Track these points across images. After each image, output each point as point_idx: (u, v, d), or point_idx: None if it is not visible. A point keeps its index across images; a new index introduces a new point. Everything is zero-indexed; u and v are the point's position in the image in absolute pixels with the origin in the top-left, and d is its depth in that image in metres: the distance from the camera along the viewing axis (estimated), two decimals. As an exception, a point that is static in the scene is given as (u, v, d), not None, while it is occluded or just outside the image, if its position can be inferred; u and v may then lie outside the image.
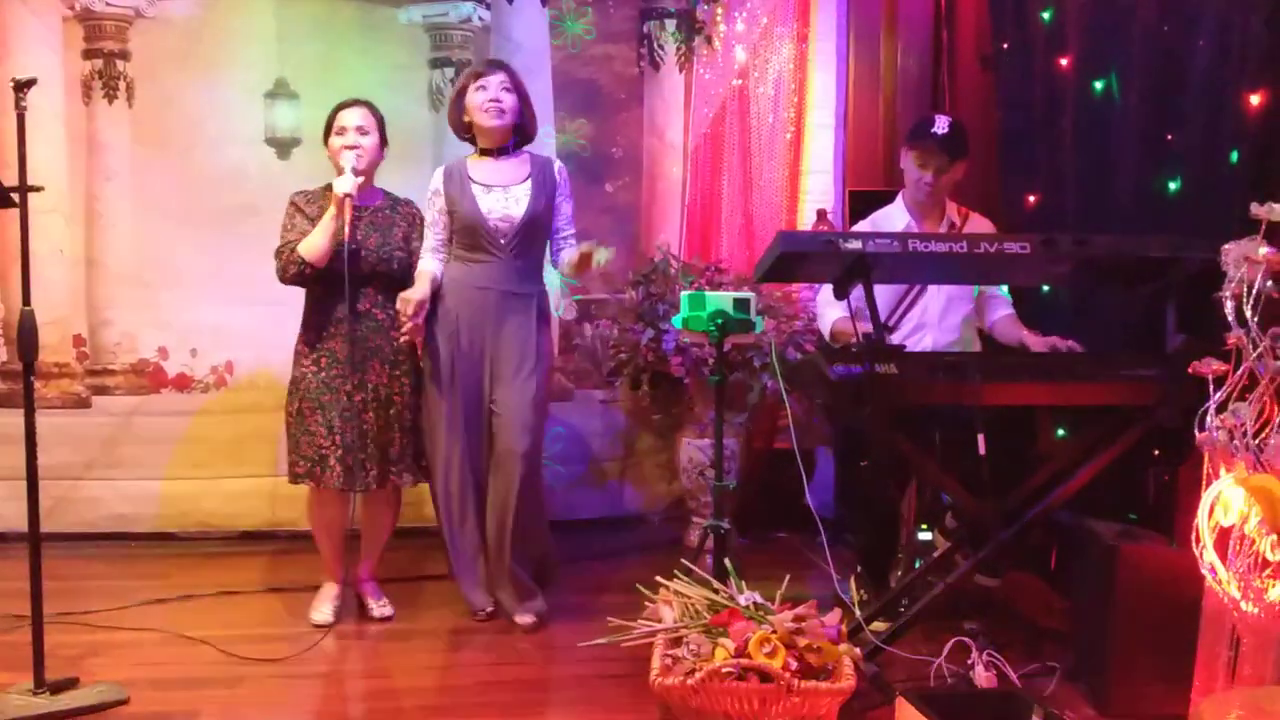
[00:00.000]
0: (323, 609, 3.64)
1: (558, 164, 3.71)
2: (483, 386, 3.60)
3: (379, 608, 3.70)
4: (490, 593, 3.67)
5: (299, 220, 3.58)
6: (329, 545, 3.69)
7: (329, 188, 3.56)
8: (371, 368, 3.57)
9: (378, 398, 3.57)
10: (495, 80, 3.57)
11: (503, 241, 3.56)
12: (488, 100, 3.56)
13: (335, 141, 3.59)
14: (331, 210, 3.48)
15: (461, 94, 3.63)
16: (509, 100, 3.57)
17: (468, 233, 3.58)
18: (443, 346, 3.58)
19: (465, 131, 3.67)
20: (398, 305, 3.49)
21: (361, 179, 3.53)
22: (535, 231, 3.61)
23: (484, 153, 3.64)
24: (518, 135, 3.65)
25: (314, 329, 3.59)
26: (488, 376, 3.59)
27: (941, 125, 3.60)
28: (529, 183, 3.60)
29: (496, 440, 3.58)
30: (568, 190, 3.69)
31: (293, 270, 3.52)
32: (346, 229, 3.44)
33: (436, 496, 3.67)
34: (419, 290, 3.51)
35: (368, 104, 3.66)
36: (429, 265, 3.62)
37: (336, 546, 3.69)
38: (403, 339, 3.54)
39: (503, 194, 3.58)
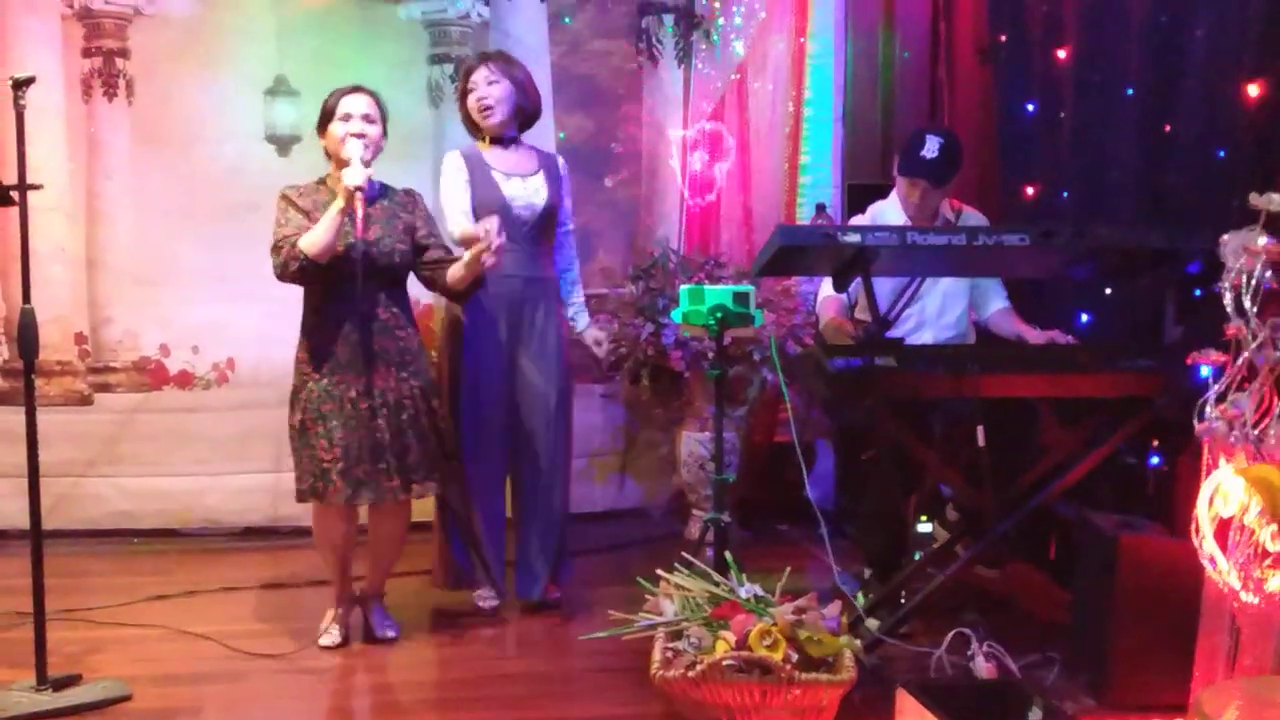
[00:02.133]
0: (332, 632, 3.40)
1: (560, 160, 3.79)
2: (506, 374, 3.62)
3: (384, 629, 3.47)
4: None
5: (293, 215, 3.30)
6: (338, 565, 3.42)
7: (322, 181, 3.40)
8: (377, 371, 3.31)
9: (386, 403, 3.31)
10: (480, 77, 3.59)
11: (525, 230, 3.59)
12: (476, 100, 3.60)
13: (338, 129, 3.31)
14: (337, 204, 3.22)
15: (464, 97, 3.65)
16: (495, 93, 3.57)
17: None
18: (471, 339, 3.60)
19: (476, 131, 3.69)
20: (482, 229, 3.25)
21: (372, 170, 3.32)
22: (549, 222, 3.67)
23: (493, 141, 3.66)
24: (519, 117, 3.67)
25: (314, 333, 3.34)
26: (512, 364, 3.62)
27: (931, 149, 3.53)
28: (542, 174, 3.66)
29: (525, 436, 3.65)
30: (568, 187, 3.77)
31: (294, 266, 3.23)
32: (359, 224, 3.22)
33: (467, 488, 3.66)
34: (492, 217, 3.33)
35: (372, 92, 3.40)
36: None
37: (346, 565, 3.44)
38: (489, 260, 3.22)
39: (522, 182, 3.61)
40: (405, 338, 3.38)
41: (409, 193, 3.51)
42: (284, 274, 3.28)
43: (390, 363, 3.34)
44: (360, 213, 3.21)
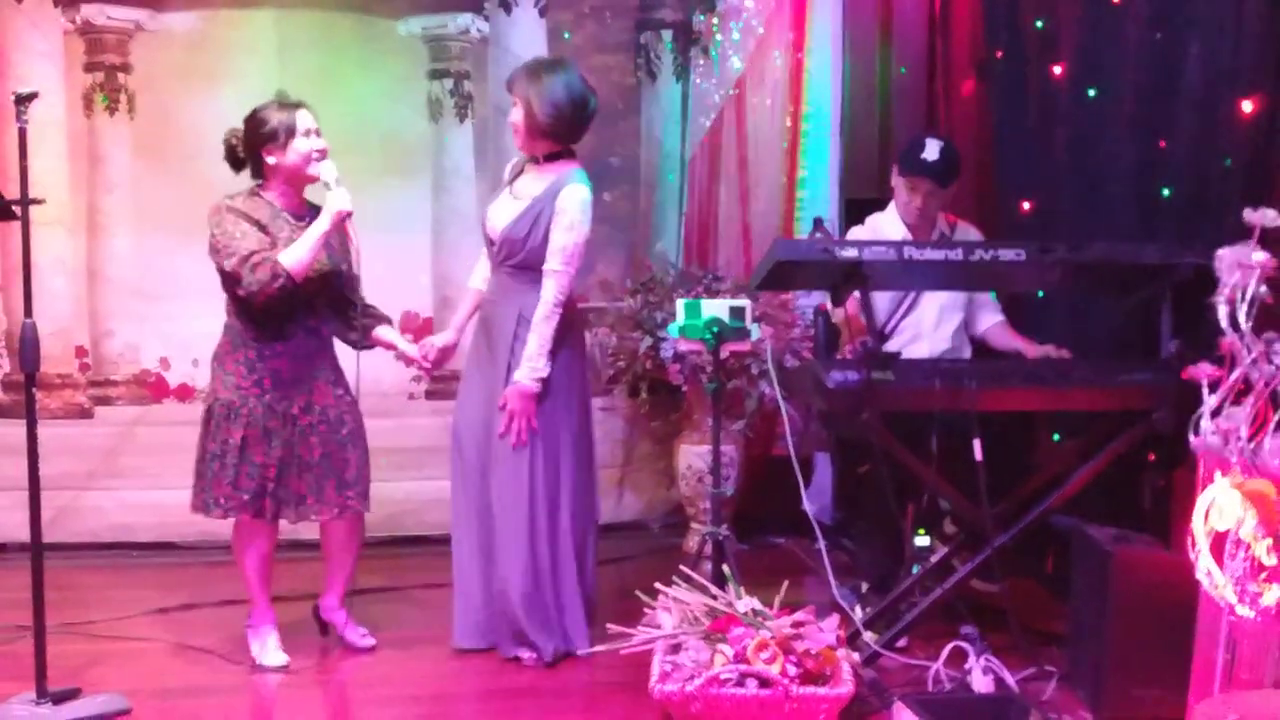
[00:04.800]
0: (274, 652, 3.35)
1: (566, 191, 3.30)
2: (485, 403, 3.41)
3: (361, 639, 3.48)
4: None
5: (247, 228, 3.16)
6: (263, 580, 3.40)
7: (253, 193, 3.27)
8: (316, 388, 3.29)
9: (326, 419, 3.29)
10: (510, 100, 3.39)
11: (492, 252, 3.45)
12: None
13: (303, 145, 3.19)
14: (320, 225, 3.16)
15: None
16: (511, 116, 3.36)
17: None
18: (465, 365, 3.56)
19: None
20: (420, 351, 3.42)
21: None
22: (516, 250, 3.35)
23: (531, 160, 3.47)
24: (552, 140, 3.36)
25: (252, 347, 3.23)
26: (487, 388, 3.43)
27: (932, 151, 3.57)
28: (529, 200, 3.35)
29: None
30: (566, 221, 3.29)
31: (277, 285, 3.11)
32: (356, 249, 3.23)
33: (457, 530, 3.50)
34: (445, 336, 3.50)
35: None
36: (476, 279, 3.55)
37: (268, 581, 3.42)
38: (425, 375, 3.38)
39: (508, 201, 3.42)
40: (335, 354, 3.39)
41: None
42: (262, 290, 3.13)
43: (326, 380, 3.33)
44: (354, 240, 3.22)
